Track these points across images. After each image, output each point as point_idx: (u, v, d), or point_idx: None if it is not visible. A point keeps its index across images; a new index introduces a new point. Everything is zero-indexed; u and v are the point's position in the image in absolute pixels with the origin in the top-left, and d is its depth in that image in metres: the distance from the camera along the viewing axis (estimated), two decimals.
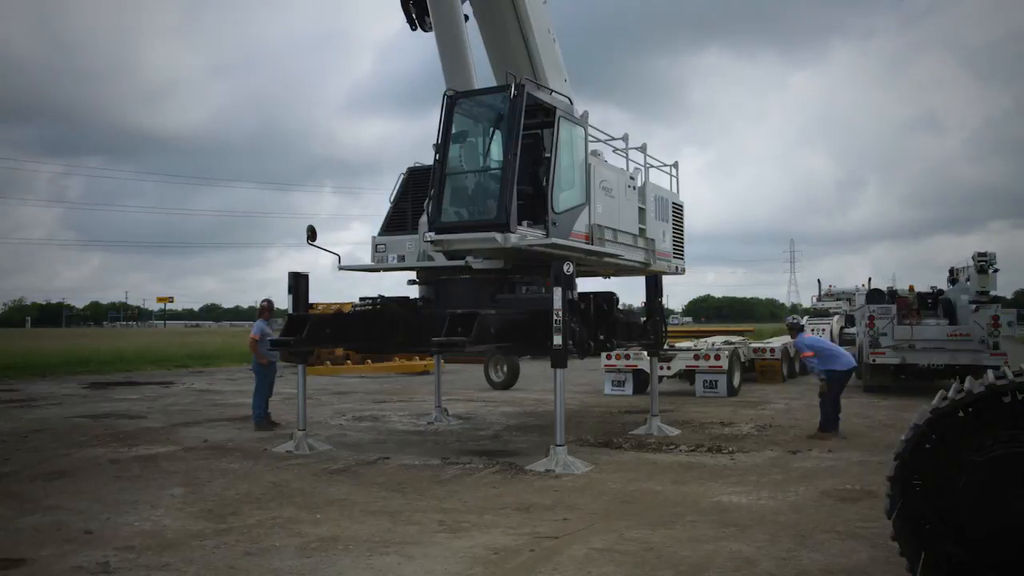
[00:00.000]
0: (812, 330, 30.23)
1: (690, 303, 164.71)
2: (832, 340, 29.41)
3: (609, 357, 16.80)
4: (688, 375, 17.11)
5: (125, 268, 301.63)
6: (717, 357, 16.73)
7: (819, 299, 35.83)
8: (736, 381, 17.18)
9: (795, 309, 42.09)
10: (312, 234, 10.18)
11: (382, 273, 11.34)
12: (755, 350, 19.85)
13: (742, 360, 18.37)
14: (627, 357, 16.54)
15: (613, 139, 12.03)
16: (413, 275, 10.71)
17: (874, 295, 17.92)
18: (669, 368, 16.76)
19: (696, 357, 16.84)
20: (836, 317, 30.71)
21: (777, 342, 21.21)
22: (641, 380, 16.75)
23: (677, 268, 13.52)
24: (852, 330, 29.07)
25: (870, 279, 34.13)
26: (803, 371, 20.59)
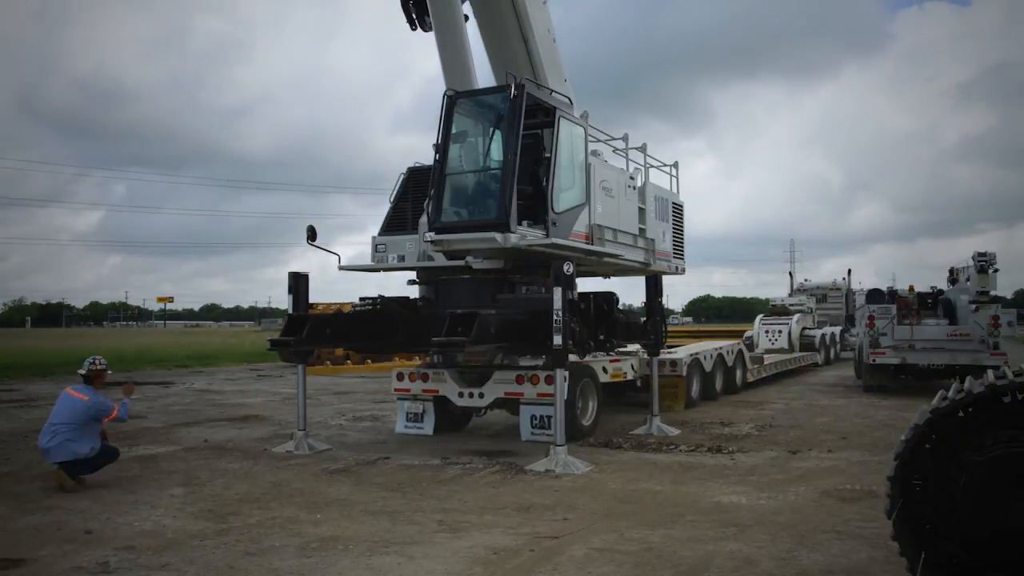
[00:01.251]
0: (766, 332, 24.87)
1: (690, 303, 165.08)
2: (791, 344, 24.48)
3: (401, 378, 11.02)
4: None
5: (143, 269, 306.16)
6: (674, 365, 14.02)
7: (791, 294, 30.99)
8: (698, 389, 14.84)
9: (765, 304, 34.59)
10: (312, 234, 10.19)
11: (390, 273, 11.32)
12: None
13: (706, 370, 15.26)
14: (424, 379, 10.83)
15: (613, 139, 12.06)
16: (413, 275, 10.72)
17: (874, 295, 17.91)
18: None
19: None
20: (797, 316, 26.13)
21: (683, 351, 15.26)
22: (446, 414, 11.23)
23: (677, 268, 13.53)
24: (814, 332, 26.09)
25: (850, 271, 31.88)
26: (729, 388, 16.52)
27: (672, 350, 15.19)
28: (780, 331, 25.01)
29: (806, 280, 33.31)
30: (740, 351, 17.71)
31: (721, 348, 16.53)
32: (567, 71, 11.31)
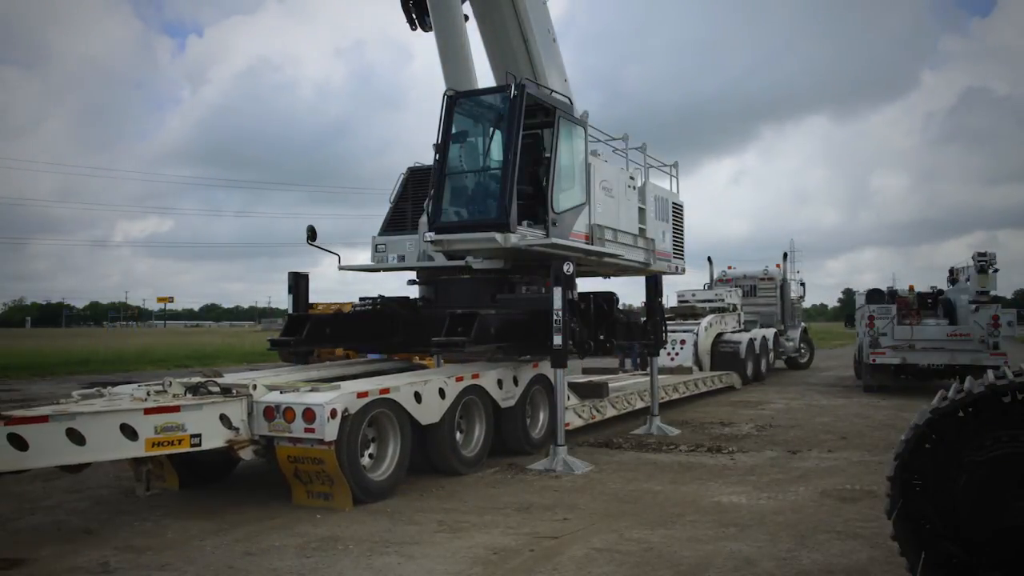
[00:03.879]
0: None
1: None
2: (697, 358, 18.35)
3: None
4: None
5: (175, 271, 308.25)
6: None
7: (711, 285, 23.86)
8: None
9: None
10: (312, 234, 10.20)
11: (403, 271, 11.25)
12: None
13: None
14: None
15: (613, 139, 12.04)
16: (413, 275, 10.71)
17: (874, 295, 17.93)
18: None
19: None
20: (707, 320, 19.35)
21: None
22: None
23: (677, 268, 13.52)
24: (736, 338, 19.46)
25: (785, 254, 26.34)
26: None
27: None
28: (683, 340, 18.46)
29: (730, 267, 25.46)
30: None
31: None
32: (568, 72, 11.31)
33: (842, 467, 8.78)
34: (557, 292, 8.62)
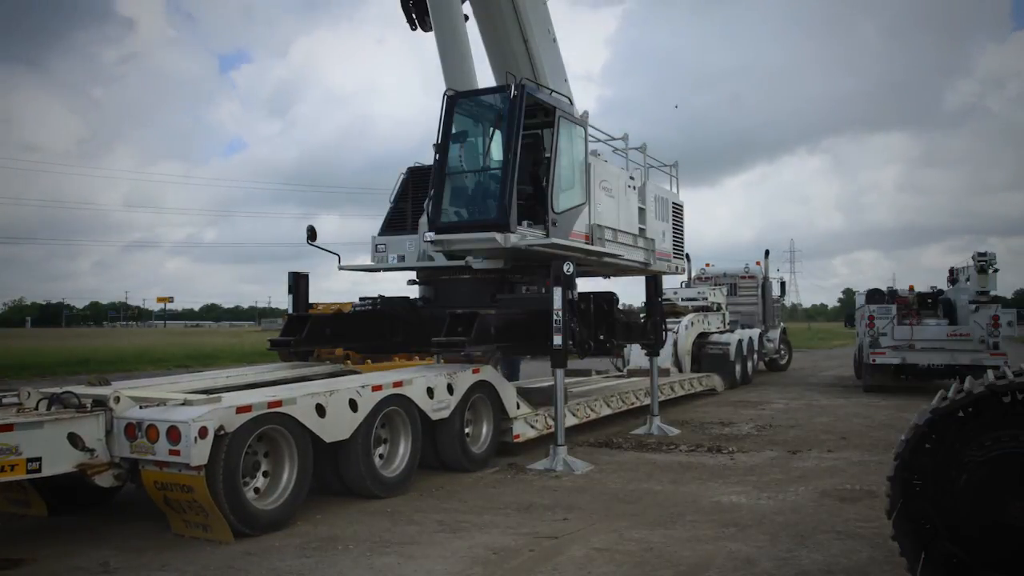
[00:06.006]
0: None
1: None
2: (677, 360, 17.46)
3: None
4: None
5: (194, 272, 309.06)
6: None
7: (688, 284, 22.34)
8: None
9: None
10: (312, 234, 10.20)
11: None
12: None
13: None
14: None
15: (613, 139, 12.04)
16: (413, 275, 10.72)
17: (874, 295, 17.94)
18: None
19: None
20: (688, 319, 18.37)
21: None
22: None
23: (677, 268, 13.52)
24: (724, 339, 18.77)
25: (767, 252, 24.57)
26: None
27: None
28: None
29: (708, 265, 24.32)
30: None
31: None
32: (568, 72, 11.31)
33: (842, 467, 8.78)
34: (557, 292, 8.62)
